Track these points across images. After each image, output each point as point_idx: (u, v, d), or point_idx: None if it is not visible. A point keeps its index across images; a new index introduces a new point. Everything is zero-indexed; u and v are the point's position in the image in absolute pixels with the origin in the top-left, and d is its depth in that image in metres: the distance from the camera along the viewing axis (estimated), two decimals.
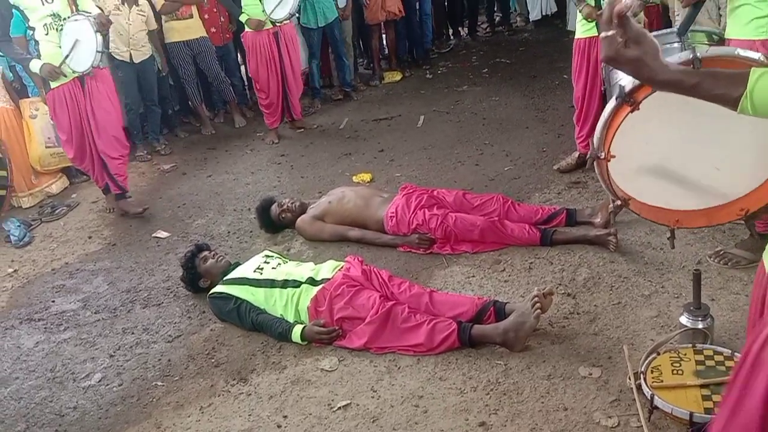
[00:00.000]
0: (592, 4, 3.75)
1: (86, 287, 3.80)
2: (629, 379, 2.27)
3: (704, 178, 1.66)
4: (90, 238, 4.48)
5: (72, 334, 3.34)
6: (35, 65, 4.25)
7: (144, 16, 5.57)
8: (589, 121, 3.99)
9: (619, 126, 1.53)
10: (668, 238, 1.83)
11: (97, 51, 4.07)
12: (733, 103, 1.14)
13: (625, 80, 1.49)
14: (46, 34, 4.22)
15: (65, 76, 4.24)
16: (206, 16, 6.13)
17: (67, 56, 4.16)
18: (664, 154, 1.65)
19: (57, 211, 4.97)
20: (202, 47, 6.06)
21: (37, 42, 4.28)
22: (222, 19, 6.27)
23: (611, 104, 1.54)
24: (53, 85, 4.31)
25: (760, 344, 1.14)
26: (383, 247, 3.60)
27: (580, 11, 3.80)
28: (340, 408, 2.48)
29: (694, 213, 1.74)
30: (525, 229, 3.37)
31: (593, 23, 3.78)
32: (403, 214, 3.57)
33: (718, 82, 1.15)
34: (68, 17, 4.19)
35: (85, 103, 4.33)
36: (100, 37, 4.06)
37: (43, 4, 4.19)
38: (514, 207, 3.57)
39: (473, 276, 3.22)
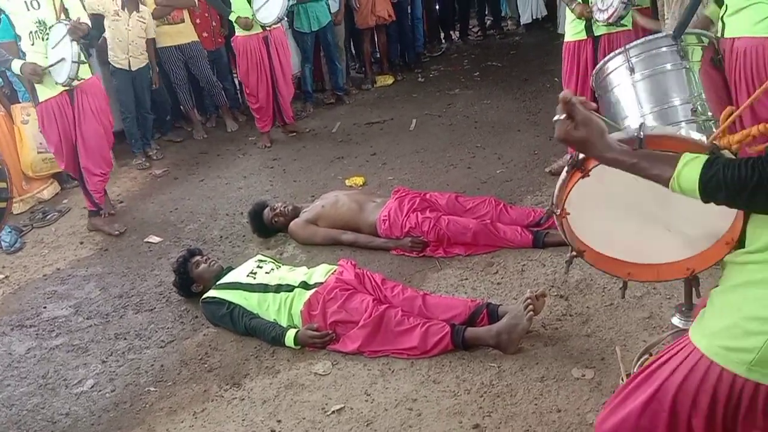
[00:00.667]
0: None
1: (78, 293, 3.79)
2: (622, 380, 2.28)
3: (655, 238, 1.78)
4: (82, 243, 4.46)
5: (64, 340, 3.32)
6: (16, 65, 4.10)
7: (144, 23, 5.54)
8: None
9: (570, 189, 1.68)
10: (620, 288, 1.97)
11: (73, 62, 3.92)
12: (665, 182, 1.28)
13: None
14: (32, 44, 4.06)
15: (53, 83, 4.12)
16: (198, 21, 6.12)
17: (51, 65, 4.04)
18: (617, 215, 1.77)
19: (48, 217, 4.95)
20: (193, 52, 6.05)
21: (24, 53, 4.10)
22: (213, 23, 6.27)
23: (566, 169, 1.69)
24: (42, 97, 4.19)
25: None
26: (376, 251, 3.60)
27: (572, 10, 3.82)
28: (333, 412, 2.48)
29: (645, 267, 1.85)
30: (517, 232, 3.39)
31: (582, 27, 3.81)
32: (396, 218, 3.57)
33: (652, 164, 1.30)
34: (53, 25, 4.05)
35: (73, 117, 4.23)
36: (76, 47, 3.92)
37: (27, 10, 4.05)
38: (506, 209, 3.58)
39: (466, 278, 3.23)
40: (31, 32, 4.08)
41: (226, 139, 6.26)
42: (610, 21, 3.63)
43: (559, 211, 1.76)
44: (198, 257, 3.40)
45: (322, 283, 3.01)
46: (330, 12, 6.52)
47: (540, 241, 3.33)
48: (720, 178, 1.20)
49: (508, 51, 7.92)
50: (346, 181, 4.74)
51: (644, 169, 1.31)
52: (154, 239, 4.31)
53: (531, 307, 2.57)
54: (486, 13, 8.91)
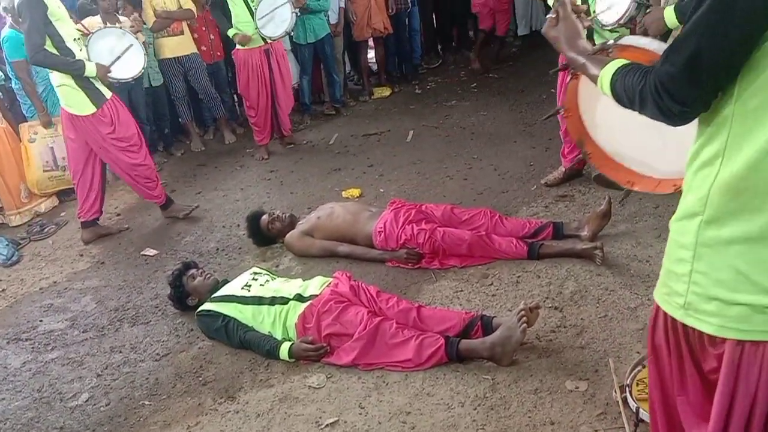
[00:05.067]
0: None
1: (74, 306, 3.79)
2: (615, 392, 2.28)
3: (656, 151, 1.79)
4: (81, 256, 4.47)
5: (59, 353, 3.32)
6: (91, 68, 4.18)
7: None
8: None
9: (564, 90, 1.82)
10: (622, 199, 2.05)
11: (145, 54, 4.50)
12: (595, 83, 1.35)
13: None
14: (80, 50, 4.23)
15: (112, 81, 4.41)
16: (195, 36, 6.16)
17: (117, 59, 4.33)
18: (619, 122, 1.77)
19: (46, 230, 4.96)
20: (193, 64, 6.09)
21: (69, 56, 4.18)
22: (212, 37, 6.31)
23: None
24: (108, 95, 4.30)
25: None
26: (372, 263, 3.60)
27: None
28: (327, 425, 2.47)
29: (646, 178, 1.85)
30: (512, 243, 3.39)
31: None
32: (392, 229, 3.58)
33: (592, 65, 1.38)
34: (93, 32, 4.35)
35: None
36: (140, 42, 4.51)
37: (69, 18, 4.27)
38: (501, 221, 3.59)
39: (461, 290, 3.23)
40: (75, 39, 4.23)
41: (223, 152, 6.28)
42: (621, 22, 3.57)
43: (562, 110, 1.88)
44: (193, 270, 3.41)
45: (317, 295, 3.01)
46: (329, 24, 6.56)
47: (535, 252, 3.34)
48: (622, 82, 1.25)
49: (505, 62, 7.95)
50: (343, 192, 4.75)
51: (587, 69, 1.40)
52: (150, 252, 4.32)
53: (525, 319, 2.57)
54: None
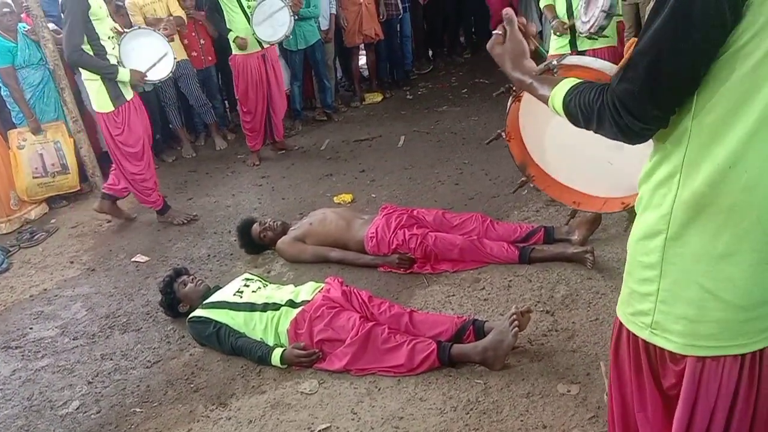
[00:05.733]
0: (565, 20, 3.82)
1: (64, 313, 3.77)
2: (606, 395, 2.28)
3: (600, 170, 1.77)
4: (72, 263, 4.44)
5: (50, 361, 3.30)
6: (124, 75, 4.29)
7: None
8: None
9: (508, 113, 1.79)
10: (569, 215, 2.03)
11: (174, 58, 4.62)
12: (546, 103, 1.31)
13: None
14: (113, 48, 4.31)
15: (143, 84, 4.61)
16: (185, 41, 6.15)
17: (153, 65, 4.46)
18: (562, 142, 1.79)
19: (36, 237, 4.93)
20: (183, 70, 6.06)
21: (101, 58, 4.23)
22: (202, 42, 6.30)
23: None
24: (128, 96, 4.38)
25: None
26: (364, 268, 3.61)
27: (551, 25, 3.92)
28: (320, 431, 2.46)
29: (592, 198, 1.85)
30: (504, 248, 3.40)
31: (566, 42, 3.87)
32: (384, 235, 3.58)
33: (542, 86, 1.33)
34: (126, 32, 4.43)
35: (143, 113, 4.60)
36: (170, 46, 4.62)
37: (107, 17, 4.32)
38: (492, 225, 3.60)
39: (453, 295, 3.23)
40: (110, 37, 4.30)
41: (214, 158, 6.27)
42: (591, 31, 3.68)
43: (505, 134, 1.86)
44: (184, 277, 3.40)
45: (308, 301, 3.01)
46: (320, 30, 6.57)
47: (526, 256, 3.35)
48: (577, 101, 1.20)
49: (496, 68, 7.90)
50: (335, 198, 4.75)
51: (536, 89, 1.34)
52: (141, 258, 4.30)
53: (516, 323, 2.58)
54: (473, 30, 8.97)
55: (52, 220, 5.31)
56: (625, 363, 1.33)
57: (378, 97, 7.40)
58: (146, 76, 4.45)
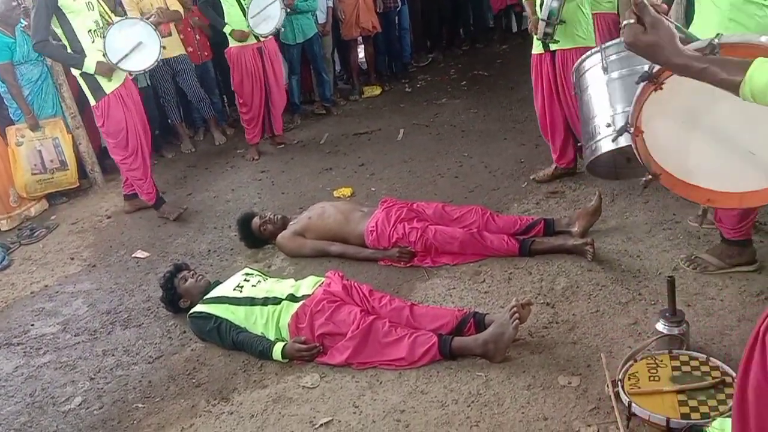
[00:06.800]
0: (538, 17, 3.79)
1: (66, 310, 3.77)
2: (607, 386, 2.29)
3: (737, 163, 1.64)
4: (72, 259, 4.45)
5: (51, 357, 3.30)
6: (90, 65, 4.24)
7: None
8: (558, 131, 4.06)
9: (643, 104, 1.58)
10: (642, 184, 1.82)
11: (162, 46, 4.45)
12: (735, 88, 1.18)
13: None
14: (93, 41, 4.26)
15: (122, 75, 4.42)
16: (182, 37, 6.13)
17: (125, 56, 4.29)
18: (695, 135, 1.65)
19: (36, 234, 4.93)
20: (181, 65, 6.06)
21: (77, 51, 4.24)
22: (198, 37, 6.28)
23: (641, 84, 1.59)
24: (108, 90, 4.35)
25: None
26: (364, 262, 3.61)
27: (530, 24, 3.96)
28: (322, 425, 2.47)
29: (728, 194, 1.72)
30: (504, 240, 3.40)
31: (541, 42, 3.87)
32: (384, 228, 3.58)
33: (723, 68, 1.20)
34: (113, 23, 4.31)
35: (132, 105, 4.53)
36: (159, 36, 4.46)
37: (88, 11, 4.27)
38: (493, 218, 3.60)
39: (454, 288, 3.24)
40: (90, 30, 4.27)
41: (214, 153, 6.26)
42: (538, 37, 3.78)
43: (632, 129, 1.67)
44: (185, 272, 3.40)
45: (309, 295, 3.01)
46: (317, 24, 6.55)
47: (526, 249, 3.35)
48: None
49: (494, 60, 7.97)
50: (334, 192, 4.75)
51: (714, 74, 1.21)
52: (142, 254, 4.30)
53: (517, 315, 2.58)
54: (472, 23, 8.95)
55: (52, 217, 5.31)
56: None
57: (377, 91, 7.39)
58: (114, 68, 4.30)
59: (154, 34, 4.41)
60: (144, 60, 4.41)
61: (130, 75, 4.56)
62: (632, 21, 1.27)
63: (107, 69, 4.30)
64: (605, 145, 2.79)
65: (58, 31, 4.25)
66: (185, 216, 4.75)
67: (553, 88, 3.94)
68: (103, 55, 4.25)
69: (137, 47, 4.33)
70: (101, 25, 4.33)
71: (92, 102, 4.41)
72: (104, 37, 4.26)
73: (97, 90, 4.36)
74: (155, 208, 4.80)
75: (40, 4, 4.12)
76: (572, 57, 3.73)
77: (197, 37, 6.28)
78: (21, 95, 5.22)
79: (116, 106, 4.42)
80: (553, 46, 3.82)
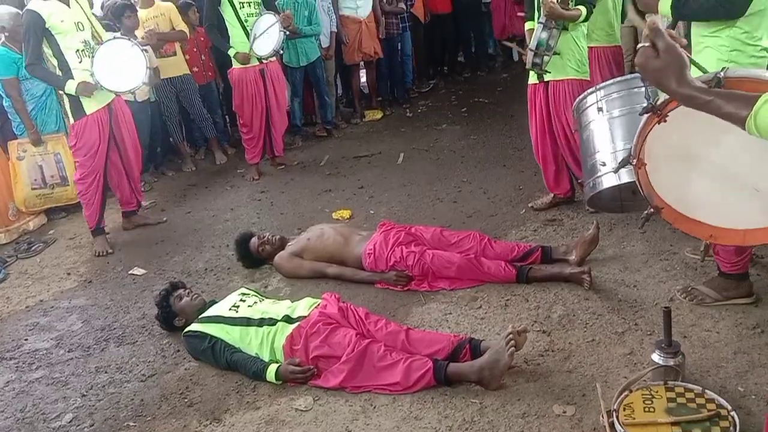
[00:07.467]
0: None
1: (60, 325, 3.75)
2: (602, 416, 2.27)
3: (742, 199, 1.62)
4: (69, 274, 4.43)
5: (44, 373, 3.28)
6: (71, 86, 4.28)
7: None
8: (549, 161, 4.09)
9: (646, 136, 1.57)
10: (643, 218, 1.78)
11: (148, 67, 4.42)
12: (741, 122, 1.18)
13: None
14: (80, 61, 4.31)
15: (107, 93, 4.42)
16: (187, 57, 6.20)
17: (110, 75, 4.31)
18: (699, 168, 1.64)
19: (33, 248, 4.92)
20: (185, 84, 6.12)
21: (67, 70, 4.29)
22: (203, 57, 6.35)
23: (644, 116, 1.58)
24: (88, 110, 4.37)
25: None
26: (361, 284, 3.60)
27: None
28: None
29: (731, 231, 1.68)
30: (501, 266, 3.40)
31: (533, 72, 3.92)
32: (381, 251, 3.59)
33: (729, 102, 1.21)
34: (102, 42, 4.37)
35: (113, 127, 4.55)
36: (146, 55, 4.46)
37: (77, 31, 4.31)
38: (490, 244, 3.60)
39: (450, 313, 3.23)
40: (78, 50, 4.32)
41: (214, 172, 6.29)
42: (527, 66, 3.82)
43: (635, 161, 1.65)
44: (181, 290, 3.39)
45: (305, 316, 3.00)
46: (321, 48, 6.63)
47: (524, 276, 3.35)
48: None
49: (494, 88, 8.05)
50: (333, 214, 4.76)
51: (720, 107, 1.21)
52: (139, 271, 4.29)
53: (513, 342, 2.57)
54: (473, 50, 9.05)
55: (51, 232, 5.31)
56: None
57: (378, 115, 7.45)
58: (97, 88, 4.31)
59: (140, 54, 4.39)
60: (129, 80, 4.39)
61: (123, 96, 4.58)
62: (647, 44, 1.28)
63: (89, 89, 4.30)
64: (606, 181, 2.83)
65: (48, 51, 4.31)
66: (184, 233, 4.74)
67: (545, 119, 3.98)
68: (91, 75, 4.28)
69: (123, 67, 4.34)
70: (91, 45, 4.37)
71: (71, 120, 4.47)
72: (92, 56, 4.30)
73: (77, 110, 4.39)
74: (92, 234, 4.75)
75: (28, 29, 4.21)
76: (563, 88, 3.79)
77: (202, 57, 6.35)
78: (25, 110, 5.25)
79: (92, 128, 4.42)
80: (546, 77, 3.87)
